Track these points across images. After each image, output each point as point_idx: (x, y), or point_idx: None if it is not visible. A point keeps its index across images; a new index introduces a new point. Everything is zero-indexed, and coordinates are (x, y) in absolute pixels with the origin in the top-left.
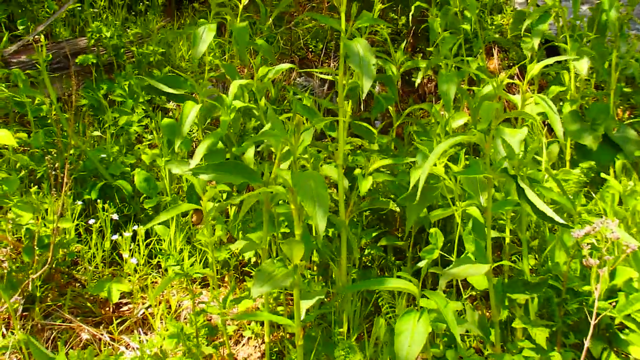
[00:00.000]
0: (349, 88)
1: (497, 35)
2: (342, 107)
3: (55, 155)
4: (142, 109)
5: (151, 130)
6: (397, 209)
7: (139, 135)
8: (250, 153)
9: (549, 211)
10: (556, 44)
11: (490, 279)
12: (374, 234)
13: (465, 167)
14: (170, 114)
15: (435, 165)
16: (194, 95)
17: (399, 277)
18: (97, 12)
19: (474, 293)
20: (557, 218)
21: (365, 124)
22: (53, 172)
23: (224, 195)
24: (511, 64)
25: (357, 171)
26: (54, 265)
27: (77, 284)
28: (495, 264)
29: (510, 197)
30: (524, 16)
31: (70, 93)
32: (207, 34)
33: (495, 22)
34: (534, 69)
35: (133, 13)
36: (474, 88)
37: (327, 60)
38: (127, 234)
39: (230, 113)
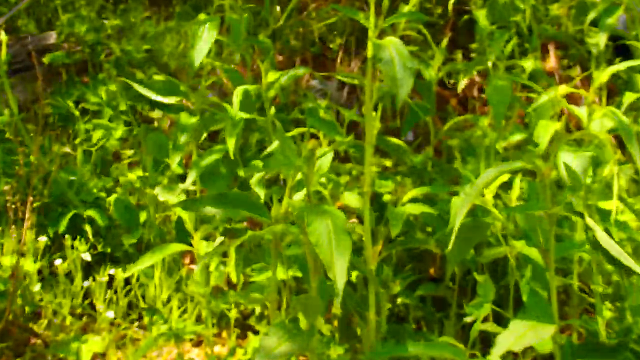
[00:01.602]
0: (378, 96)
1: (554, 30)
2: (369, 122)
3: (15, 180)
4: (124, 120)
5: (132, 145)
6: (438, 250)
7: (117, 152)
8: (256, 178)
9: (626, 258)
10: (628, 42)
11: (556, 340)
12: (408, 280)
13: (521, 198)
14: (155, 124)
15: (482, 194)
16: (185, 102)
17: (440, 333)
18: (69, 1)
19: (534, 354)
20: (636, 267)
21: (396, 140)
22: (12, 205)
23: (220, 229)
24: (571, 64)
25: (387, 197)
26: (10, 318)
27: (39, 342)
28: (563, 323)
29: (577, 235)
30: (587, 7)
31: (36, 99)
32: (208, 32)
33: (551, 13)
34: (602, 75)
35: (111, 1)
36: (529, 94)
37: (347, 58)
38: (102, 279)
39: (236, 127)
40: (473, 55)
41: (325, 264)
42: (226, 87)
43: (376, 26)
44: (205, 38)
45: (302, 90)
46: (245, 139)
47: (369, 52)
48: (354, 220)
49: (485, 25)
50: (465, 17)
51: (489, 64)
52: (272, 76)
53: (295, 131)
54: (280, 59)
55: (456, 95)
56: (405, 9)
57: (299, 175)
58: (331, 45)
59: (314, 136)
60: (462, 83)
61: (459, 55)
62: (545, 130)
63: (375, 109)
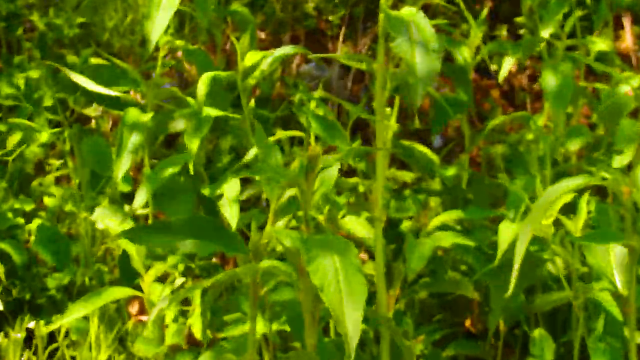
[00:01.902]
0: (393, 87)
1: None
2: (381, 120)
3: None
4: (49, 119)
5: (61, 153)
6: (476, 295)
7: (40, 162)
8: (229, 196)
9: None
10: None
11: None
12: (436, 335)
13: (588, 226)
14: (93, 124)
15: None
16: (134, 95)
17: None
18: None
19: None
20: None
21: (419, 147)
22: None
23: (180, 267)
24: None
25: (406, 224)
26: None
27: None
28: None
29: None
30: None
31: None
32: (168, 0)
33: None
34: None
35: None
36: (598, 85)
37: (352, 35)
38: (17, 335)
39: (201, 129)
40: (522, 32)
41: (334, 316)
42: (189, 75)
43: None
44: (164, 6)
45: (292, 78)
46: (215, 144)
47: (380, 27)
48: (362, 255)
49: None
50: None
51: (543, 43)
52: (251, 59)
53: (282, 134)
54: (262, 37)
55: (499, 85)
56: None
57: (287, 195)
58: (331, 18)
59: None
60: (507, 69)
61: (503, 32)
62: (629, 134)
63: (391, 105)
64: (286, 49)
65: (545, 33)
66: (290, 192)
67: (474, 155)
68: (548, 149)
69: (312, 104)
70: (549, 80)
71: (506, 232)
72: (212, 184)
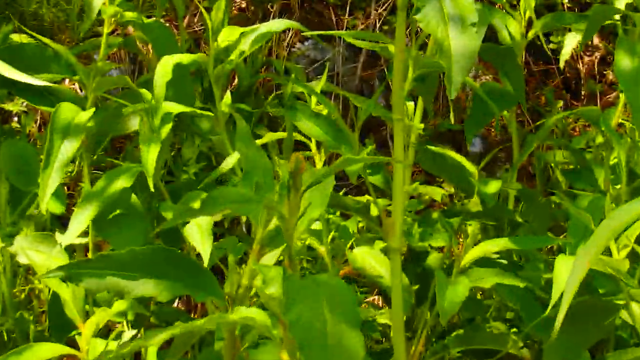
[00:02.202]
0: (418, 75)
1: None
2: (401, 120)
3: None
4: None
5: None
6: (526, 354)
7: None
8: (200, 221)
9: None
10: None
11: None
12: None
13: None
14: (14, 124)
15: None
16: (70, 85)
17: None
18: None
19: None
20: None
21: (452, 154)
22: None
23: (130, 315)
24: None
25: (434, 257)
26: None
27: None
28: None
29: None
30: None
31: None
32: None
33: None
34: None
35: None
36: None
37: (363, 4)
38: None
39: (162, 129)
40: (595, 5)
41: None
42: (146, 58)
43: None
44: None
45: (282, 62)
46: (179, 150)
47: None
48: (374, 298)
49: None
50: None
51: (617, 15)
52: (226, 37)
53: (268, 137)
54: (243, 5)
55: (560, 71)
56: None
57: (274, 223)
58: None
59: (301, 146)
60: (570, 50)
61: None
62: None
63: (414, 98)
64: (273, 24)
65: (620, 2)
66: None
67: (525, 165)
68: (623, 156)
69: (313, 100)
70: (625, 63)
71: (565, 268)
72: (176, 203)
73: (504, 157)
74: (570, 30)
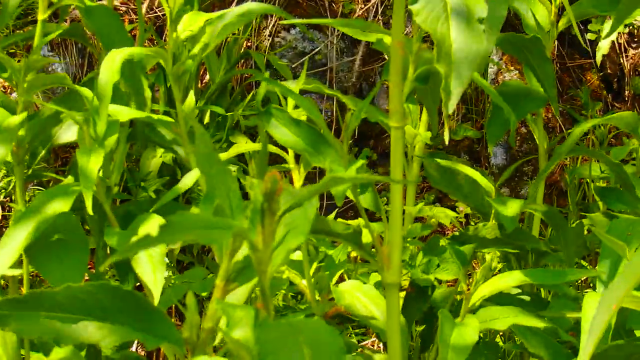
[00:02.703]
0: (419, 74)
1: None
2: (400, 128)
3: None
4: None
5: None
6: None
7: None
8: (153, 252)
9: None
10: None
11: None
12: None
13: None
14: None
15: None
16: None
17: None
18: None
19: None
20: None
21: (463, 167)
22: None
23: None
24: None
25: (441, 292)
26: None
27: None
28: None
29: None
30: None
31: None
32: None
33: None
34: None
35: None
36: None
37: None
38: None
39: (107, 138)
40: None
41: None
42: (95, 51)
43: None
44: None
45: (263, 54)
46: (138, 161)
47: None
48: (370, 342)
49: None
50: None
51: None
52: (188, 25)
53: (236, 149)
54: None
55: (598, 67)
56: None
57: (245, 247)
58: None
59: (281, 159)
60: (609, 42)
61: None
62: None
63: (420, 101)
64: (247, 8)
65: None
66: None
67: (557, 180)
68: None
69: (290, 103)
70: None
71: (593, 307)
72: (126, 228)
73: (531, 171)
74: (609, 19)
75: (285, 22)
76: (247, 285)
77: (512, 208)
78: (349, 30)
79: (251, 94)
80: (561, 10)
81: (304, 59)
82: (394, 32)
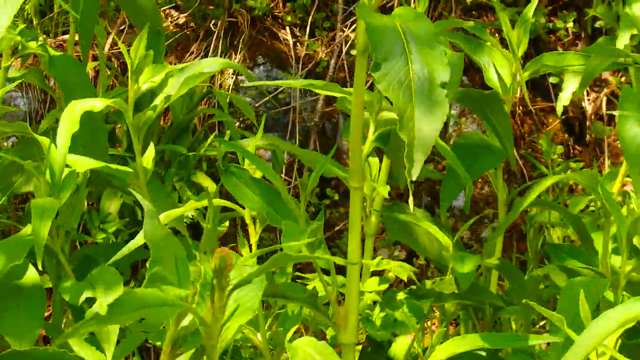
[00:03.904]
0: (380, 135)
1: None
2: (359, 188)
3: None
4: None
5: None
6: None
7: None
8: (104, 303)
9: None
10: None
11: None
12: None
13: None
14: None
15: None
16: None
17: None
18: None
19: None
20: None
21: (423, 223)
22: None
23: None
24: None
25: (399, 348)
26: None
27: None
28: None
29: None
30: None
31: None
32: None
33: None
34: None
35: None
36: None
37: (326, 24)
38: None
39: (63, 191)
40: (600, 24)
41: None
42: (55, 95)
43: None
44: None
45: (226, 93)
46: (99, 199)
47: (359, 37)
48: None
49: None
50: None
51: (620, 44)
52: (149, 77)
53: (191, 205)
54: (180, 21)
55: (564, 110)
56: None
57: (190, 317)
58: None
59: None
60: (569, 93)
61: (568, 23)
62: None
63: (381, 152)
64: (207, 64)
65: (622, 40)
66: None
67: (516, 223)
68: (624, 232)
69: (246, 162)
70: (629, 128)
71: None
72: (83, 274)
73: (492, 214)
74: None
75: (246, 84)
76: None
77: (467, 266)
78: (303, 83)
79: (213, 133)
80: (524, 61)
81: (267, 98)
82: (355, 92)
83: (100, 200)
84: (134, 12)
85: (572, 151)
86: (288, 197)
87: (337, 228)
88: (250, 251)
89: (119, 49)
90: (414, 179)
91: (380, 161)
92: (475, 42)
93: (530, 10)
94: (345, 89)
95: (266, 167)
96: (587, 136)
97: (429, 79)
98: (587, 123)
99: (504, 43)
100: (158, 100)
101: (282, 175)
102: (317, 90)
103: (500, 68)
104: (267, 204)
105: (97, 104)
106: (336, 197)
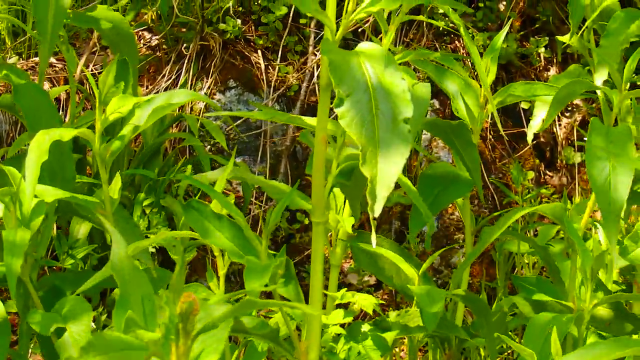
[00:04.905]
0: (342, 170)
1: None
2: (321, 224)
3: None
4: None
5: None
6: None
7: None
8: (76, 332)
9: None
10: None
11: None
12: None
13: None
14: None
15: None
16: None
17: None
18: None
19: None
20: None
21: (385, 252)
22: None
23: None
24: None
25: None
26: None
27: None
28: None
29: None
30: None
31: None
32: None
33: None
34: None
35: None
36: None
37: (298, 48)
38: None
39: (31, 222)
40: (572, 49)
41: None
42: (23, 122)
43: (338, 27)
44: None
45: (197, 117)
46: (66, 223)
47: (323, 72)
48: None
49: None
50: None
51: (598, 79)
52: (117, 107)
53: (161, 235)
54: (153, 43)
55: (535, 135)
56: None
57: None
58: (264, 20)
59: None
60: (539, 120)
61: (540, 47)
62: None
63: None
64: (177, 93)
65: (600, 77)
66: None
67: (486, 249)
68: (588, 267)
69: (213, 204)
70: (597, 162)
71: None
72: (51, 303)
73: (461, 239)
74: (538, 100)
75: (210, 114)
76: None
77: (434, 307)
78: (275, 118)
79: (184, 158)
80: (496, 85)
81: (238, 122)
82: (317, 128)
83: (70, 223)
84: (113, 41)
85: (543, 176)
86: (251, 234)
87: (306, 252)
88: (219, 283)
89: (91, 70)
90: (376, 215)
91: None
92: (444, 72)
93: (499, 39)
94: (309, 119)
95: (228, 204)
96: (558, 161)
97: (392, 115)
98: (559, 148)
99: (475, 67)
100: (126, 131)
101: (253, 200)
102: (281, 122)
103: (468, 98)
104: (230, 239)
105: (65, 134)
106: (306, 221)
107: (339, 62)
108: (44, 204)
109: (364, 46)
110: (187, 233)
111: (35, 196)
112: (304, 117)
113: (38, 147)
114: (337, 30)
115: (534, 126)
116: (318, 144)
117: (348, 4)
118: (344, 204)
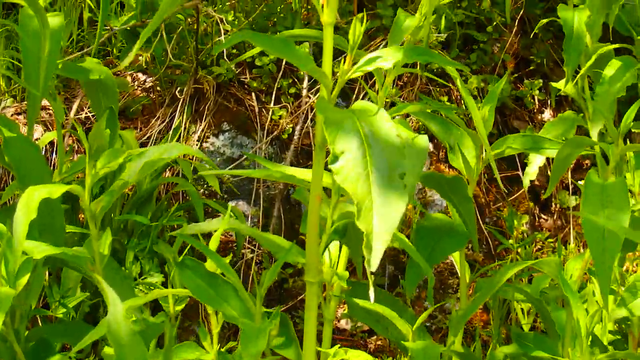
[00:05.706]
0: (337, 228)
1: None
2: (314, 284)
3: None
4: None
5: None
6: None
7: None
8: None
9: None
10: None
11: None
12: None
13: None
14: None
15: None
16: None
17: None
18: None
19: None
20: None
21: (379, 308)
22: None
23: None
24: None
25: None
26: None
27: None
28: None
29: None
30: None
31: None
32: None
33: None
34: None
35: None
36: None
37: (292, 90)
38: None
39: (18, 280)
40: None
41: None
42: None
43: (334, 77)
44: None
45: (189, 162)
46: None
47: (317, 131)
48: None
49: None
50: (544, 21)
51: (594, 130)
52: (107, 161)
53: (155, 294)
54: (148, 85)
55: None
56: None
57: None
58: (257, 63)
59: None
60: (535, 168)
61: (534, 90)
62: None
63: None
64: (166, 149)
65: (595, 131)
66: None
67: (482, 318)
68: (582, 322)
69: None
70: (591, 210)
71: None
72: (38, 357)
73: (456, 284)
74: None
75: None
76: None
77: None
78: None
79: (177, 203)
80: (491, 139)
81: (232, 165)
82: (312, 186)
83: (62, 270)
84: (96, 89)
85: (537, 219)
86: (245, 295)
87: (300, 297)
88: (212, 342)
89: (85, 113)
90: (373, 269)
91: (340, 245)
92: (441, 122)
93: (498, 88)
94: (303, 173)
95: (222, 264)
96: (553, 205)
97: (388, 170)
98: (553, 192)
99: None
100: (116, 186)
101: (246, 244)
102: (275, 179)
103: (465, 149)
104: (224, 299)
105: (54, 190)
106: (299, 265)
107: (334, 120)
108: (31, 260)
109: (359, 104)
110: (181, 291)
111: (24, 252)
112: (297, 174)
113: (27, 205)
114: (333, 89)
115: (530, 173)
116: (312, 203)
117: (344, 62)
118: (339, 258)
